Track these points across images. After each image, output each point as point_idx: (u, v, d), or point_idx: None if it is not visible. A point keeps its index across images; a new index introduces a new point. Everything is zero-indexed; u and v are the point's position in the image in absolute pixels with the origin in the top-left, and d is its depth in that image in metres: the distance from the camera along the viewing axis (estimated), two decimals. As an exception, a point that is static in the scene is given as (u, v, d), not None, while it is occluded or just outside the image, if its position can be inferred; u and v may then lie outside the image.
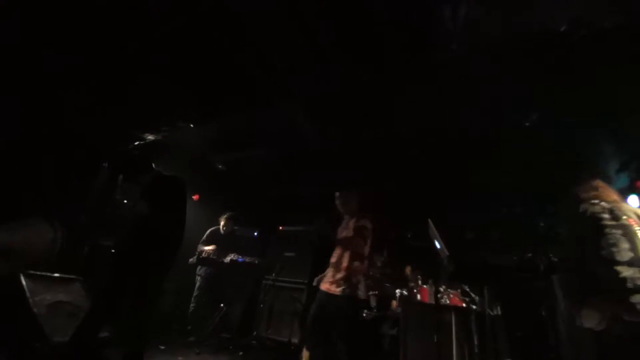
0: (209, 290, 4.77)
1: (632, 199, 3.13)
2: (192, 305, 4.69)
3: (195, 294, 4.75)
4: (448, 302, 3.67)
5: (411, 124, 4.04)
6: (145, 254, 2.62)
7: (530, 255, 4.03)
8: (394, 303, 4.13)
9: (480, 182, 4.86)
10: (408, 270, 4.65)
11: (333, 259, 3.25)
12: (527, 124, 3.63)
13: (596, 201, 2.24)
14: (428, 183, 5.11)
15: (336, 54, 3.13)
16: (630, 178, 3.55)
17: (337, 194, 3.47)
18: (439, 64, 3.10)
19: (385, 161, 4.83)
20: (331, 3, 2.68)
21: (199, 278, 4.81)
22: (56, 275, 3.13)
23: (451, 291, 3.78)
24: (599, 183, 2.37)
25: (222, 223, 5.08)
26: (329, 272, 3.20)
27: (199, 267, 4.83)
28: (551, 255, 3.80)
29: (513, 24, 2.70)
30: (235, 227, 5.16)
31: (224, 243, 4.86)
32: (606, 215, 2.15)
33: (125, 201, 2.90)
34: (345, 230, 3.34)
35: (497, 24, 2.71)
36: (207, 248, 4.75)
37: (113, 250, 3.84)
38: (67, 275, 3.21)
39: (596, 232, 2.12)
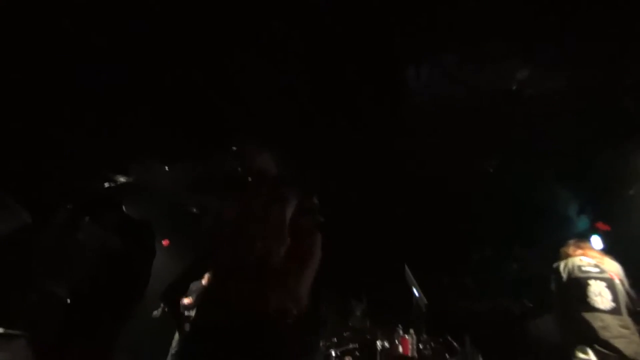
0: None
1: (595, 240, 3.30)
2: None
3: (172, 350, 4.30)
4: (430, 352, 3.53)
5: (384, 170, 4.19)
6: (104, 304, 2.39)
7: (503, 300, 4.04)
8: None
9: (450, 226, 4.99)
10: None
11: None
12: (490, 170, 3.87)
13: (583, 258, 2.59)
14: (402, 228, 5.16)
15: (313, 105, 3.30)
16: (590, 220, 3.78)
17: None
18: (408, 115, 3.34)
19: (359, 206, 4.89)
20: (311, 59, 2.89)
21: (177, 333, 4.39)
22: (-2, 331, 2.75)
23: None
24: (584, 244, 2.77)
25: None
26: None
27: None
28: (525, 300, 3.83)
29: (470, 82, 3.02)
30: None
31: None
32: (592, 269, 2.48)
33: (87, 243, 2.71)
34: None
35: (457, 82, 3.03)
36: (186, 300, 4.38)
37: (67, 300, 3.47)
38: (9, 331, 2.83)
39: (583, 283, 2.42)
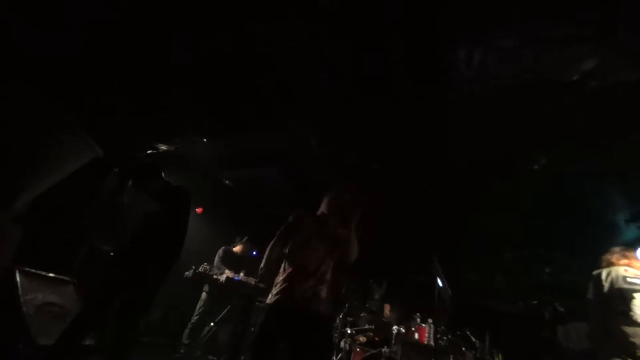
0: (211, 307, 4.69)
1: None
2: (195, 317, 4.59)
3: (199, 308, 4.66)
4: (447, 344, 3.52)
5: (422, 158, 4.07)
6: (144, 262, 2.59)
7: (535, 303, 3.90)
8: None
9: (487, 223, 4.80)
10: (387, 309, 4.52)
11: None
12: (535, 168, 3.63)
13: (629, 268, 2.46)
14: (435, 219, 5.06)
15: (354, 86, 3.22)
16: (641, 230, 3.49)
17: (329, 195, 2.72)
18: (453, 102, 3.17)
19: (394, 192, 4.82)
20: (352, 37, 2.79)
21: (204, 293, 4.73)
22: (51, 275, 3.08)
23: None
24: (630, 254, 2.59)
25: (239, 246, 5.11)
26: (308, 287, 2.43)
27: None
28: (557, 305, 3.67)
29: (526, 70, 2.78)
30: (255, 253, 5.15)
31: (238, 265, 4.83)
32: (638, 282, 2.36)
33: (131, 206, 2.91)
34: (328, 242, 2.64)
35: (509, 70, 2.80)
36: (227, 272, 4.67)
37: (112, 254, 3.81)
38: (61, 277, 3.17)
39: (628, 296, 2.31)
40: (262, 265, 2.46)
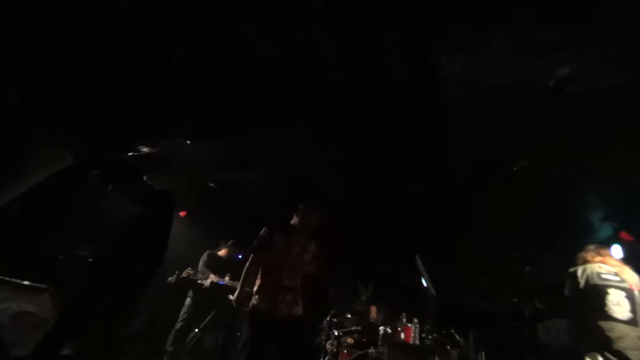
0: (195, 313, 4.59)
1: (615, 249, 3.19)
2: (179, 323, 4.49)
3: (183, 313, 4.55)
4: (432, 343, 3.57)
5: (410, 160, 4.13)
6: (125, 267, 2.52)
7: (515, 301, 4.00)
8: None
9: (471, 225, 4.91)
10: (374, 311, 4.56)
11: (287, 282, 2.63)
12: (515, 169, 3.74)
13: (603, 265, 2.52)
14: (420, 219, 5.13)
15: (345, 88, 3.24)
16: (614, 229, 3.64)
17: (302, 207, 2.87)
18: (440, 105, 3.23)
19: (381, 193, 4.87)
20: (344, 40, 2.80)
21: (188, 298, 4.63)
22: (25, 283, 2.96)
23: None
24: (604, 251, 2.67)
25: (224, 250, 5.03)
26: (283, 297, 2.57)
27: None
28: (536, 302, 3.78)
29: (505, 75, 2.86)
30: (240, 256, 5.07)
31: (223, 269, 4.75)
32: (612, 278, 2.42)
33: (111, 210, 2.84)
34: (298, 249, 2.79)
35: (491, 74, 2.88)
36: (212, 277, 4.59)
37: (90, 260, 3.69)
38: (36, 284, 3.04)
39: (602, 291, 2.37)
40: (238, 290, 2.69)
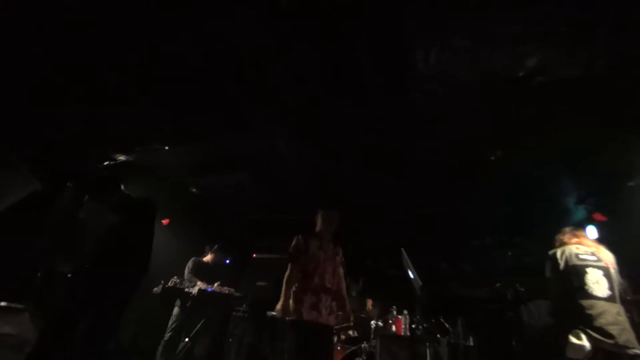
0: (184, 321, 4.48)
1: (590, 230, 3.33)
2: (168, 333, 4.37)
3: (171, 323, 4.44)
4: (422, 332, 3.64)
5: (388, 154, 4.18)
6: (106, 280, 2.44)
7: (499, 285, 4.11)
8: None
9: (454, 213, 5.02)
10: (369, 304, 4.61)
11: (329, 284, 2.78)
12: (491, 158, 3.85)
13: (580, 246, 2.62)
14: (403, 212, 5.21)
15: (321, 86, 3.24)
16: (588, 211, 3.79)
17: (323, 212, 3.06)
18: (414, 101, 3.29)
19: (361, 189, 4.91)
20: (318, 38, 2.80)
21: (176, 307, 4.53)
22: (2, 304, 2.83)
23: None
24: (580, 232, 2.78)
25: (209, 255, 4.94)
26: (325, 300, 2.71)
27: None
28: (517, 285, 3.90)
29: (476, 68, 2.94)
30: (227, 261, 5.00)
31: (210, 275, 4.67)
32: (589, 258, 2.52)
33: (89, 221, 2.74)
34: (331, 252, 2.96)
35: (463, 68, 2.95)
36: (200, 284, 4.49)
37: (69, 275, 3.55)
38: (14, 305, 2.91)
39: (581, 271, 2.47)
40: (282, 300, 2.67)
